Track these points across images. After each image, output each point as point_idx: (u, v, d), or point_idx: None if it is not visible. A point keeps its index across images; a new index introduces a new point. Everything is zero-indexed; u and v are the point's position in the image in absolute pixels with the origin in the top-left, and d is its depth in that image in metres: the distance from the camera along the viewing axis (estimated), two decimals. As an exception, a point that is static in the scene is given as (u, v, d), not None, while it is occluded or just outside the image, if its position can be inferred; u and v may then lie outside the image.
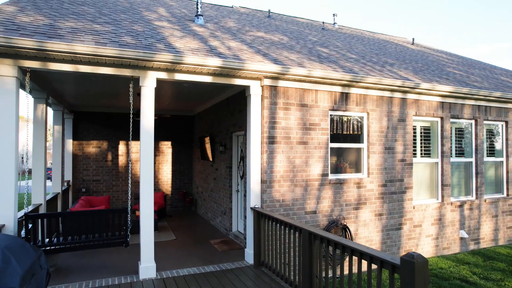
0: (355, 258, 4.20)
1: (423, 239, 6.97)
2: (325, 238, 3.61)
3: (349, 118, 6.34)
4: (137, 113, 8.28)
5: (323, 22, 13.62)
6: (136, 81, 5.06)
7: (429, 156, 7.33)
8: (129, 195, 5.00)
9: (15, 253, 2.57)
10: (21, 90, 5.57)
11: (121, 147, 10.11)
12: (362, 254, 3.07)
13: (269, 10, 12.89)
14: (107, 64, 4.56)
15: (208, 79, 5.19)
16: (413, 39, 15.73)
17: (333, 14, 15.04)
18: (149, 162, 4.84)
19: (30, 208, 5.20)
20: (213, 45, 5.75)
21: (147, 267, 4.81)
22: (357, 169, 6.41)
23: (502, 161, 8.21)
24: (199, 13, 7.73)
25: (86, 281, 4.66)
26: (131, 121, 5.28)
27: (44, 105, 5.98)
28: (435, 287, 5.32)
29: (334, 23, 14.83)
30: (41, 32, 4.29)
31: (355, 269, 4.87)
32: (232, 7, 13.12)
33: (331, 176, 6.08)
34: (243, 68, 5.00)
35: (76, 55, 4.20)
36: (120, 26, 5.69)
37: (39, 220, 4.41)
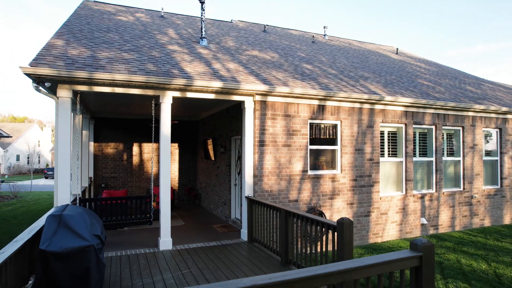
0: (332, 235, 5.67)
1: (388, 225, 8.45)
2: (295, 214, 5.09)
3: (325, 125, 7.83)
4: (151, 120, 9.75)
5: (312, 36, 15.08)
6: (157, 98, 6.54)
7: (395, 156, 8.81)
8: (151, 184, 6.49)
9: (92, 216, 4.03)
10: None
11: (135, 148, 11.61)
12: (317, 222, 4.56)
13: (264, 26, 14.37)
14: (136, 87, 6.04)
15: (212, 96, 6.67)
16: (397, 49, 17.20)
17: (324, 27, 16.55)
18: (167, 160, 6.32)
19: (73, 197, 6.67)
20: (216, 68, 7.24)
21: (165, 241, 6.30)
22: (332, 166, 7.89)
23: (460, 160, 9.69)
24: (203, 35, 9.21)
25: (120, 251, 6.15)
26: (153, 128, 6.77)
27: (80, 115, 7.48)
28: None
29: (325, 35, 16.33)
30: (88, 64, 5.78)
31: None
32: (231, 21, 14.59)
33: (310, 172, 7.56)
34: (239, 88, 6.49)
35: (114, 81, 5.69)
36: (142, 52, 7.17)
37: (87, 203, 5.90)
